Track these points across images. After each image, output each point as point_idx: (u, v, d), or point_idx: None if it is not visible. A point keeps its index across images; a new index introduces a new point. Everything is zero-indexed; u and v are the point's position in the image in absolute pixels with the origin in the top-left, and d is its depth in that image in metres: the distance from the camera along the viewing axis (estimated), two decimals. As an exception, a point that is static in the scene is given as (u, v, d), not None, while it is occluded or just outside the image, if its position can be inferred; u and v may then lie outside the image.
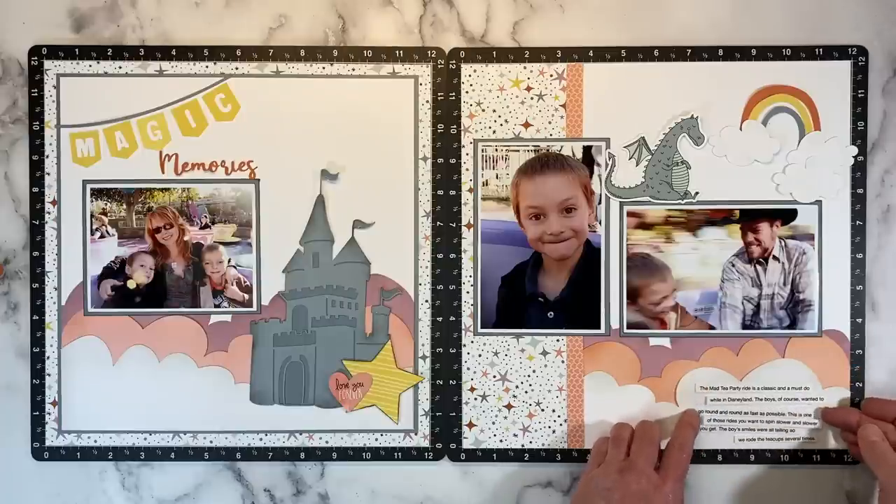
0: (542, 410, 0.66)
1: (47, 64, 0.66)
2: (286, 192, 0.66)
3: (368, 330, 0.66)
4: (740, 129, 0.65)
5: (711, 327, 0.66)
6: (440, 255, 0.66)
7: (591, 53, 0.65)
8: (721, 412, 0.66)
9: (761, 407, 0.66)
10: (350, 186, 0.66)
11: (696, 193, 0.65)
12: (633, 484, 0.59)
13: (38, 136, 0.66)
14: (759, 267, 0.65)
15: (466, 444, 0.66)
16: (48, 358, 0.66)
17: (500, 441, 0.66)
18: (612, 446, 0.62)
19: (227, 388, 0.66)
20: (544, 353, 0.66)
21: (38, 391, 0.66)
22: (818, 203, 0.65)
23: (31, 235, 0.66)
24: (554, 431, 0.66)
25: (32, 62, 0.66)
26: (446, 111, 0.66)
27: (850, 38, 0.65)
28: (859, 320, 0.65)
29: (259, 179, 0.66)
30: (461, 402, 0.66)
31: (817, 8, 0.66)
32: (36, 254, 0.66)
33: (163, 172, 0.66)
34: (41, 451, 0.66)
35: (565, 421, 0.66)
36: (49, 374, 0.66)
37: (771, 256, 0.65)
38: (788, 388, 0.65)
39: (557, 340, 0.66)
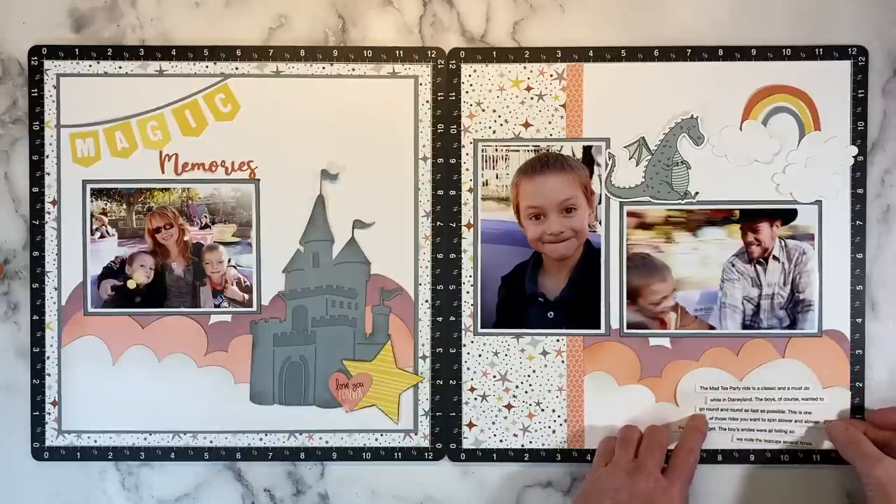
0: (542, 410, 0.66)
1: (47, 64, 0.66)
2: (286, 192, 0.66)
3: (368, 330, 0.66)
4: (740, 129, 0.65)
5: (711, 327, 0.66)
6: (440, 255, 0.66)
7: (591, 53, 0.65)
8: (721, 412, 0.66)
9: (761, 407, 0.66)
10: (350, 186, 0.66)
11: (696, 193, 0.65)
12: (640, 485, 0.59)
13: (38, 136, 0.66)
14: (759, 267, 0.65)
15: (466, 444, 0.66)
16: (48, 358, 0.66)
17: (500, 441, 0.66)
18: (621, 447, 0.62)
19: (227, 388, 0.66)
20: (544, 353, 0.66)
21: (38, 391, 0.66)
22: (818, 203, 0.65)
23: (31, 235, 0.66)
24: (554, 431, 0.66)
25: (32, 62, 0.66)
26: (446, 111, 0.66)
27: (850, 38, 0.65)
28: (859, 320, 0.65)
29: (259, 179, 0.66)
30: (461, 402, 0.66)
31: (817, 8, 0.66)
32: (36, 254, 0.66)
33: (163, 172, 0.66)
34: (41, 451, 0.66)
35: (565, 421, 0.66)
36: (49, 374, 0.66)
37: (771, 256, 0.65)
38: (788, 388, 0.65)
39: (557, 340, 0.66)
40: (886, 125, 0.66)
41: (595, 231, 0.66)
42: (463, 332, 0.66)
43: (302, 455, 0.66)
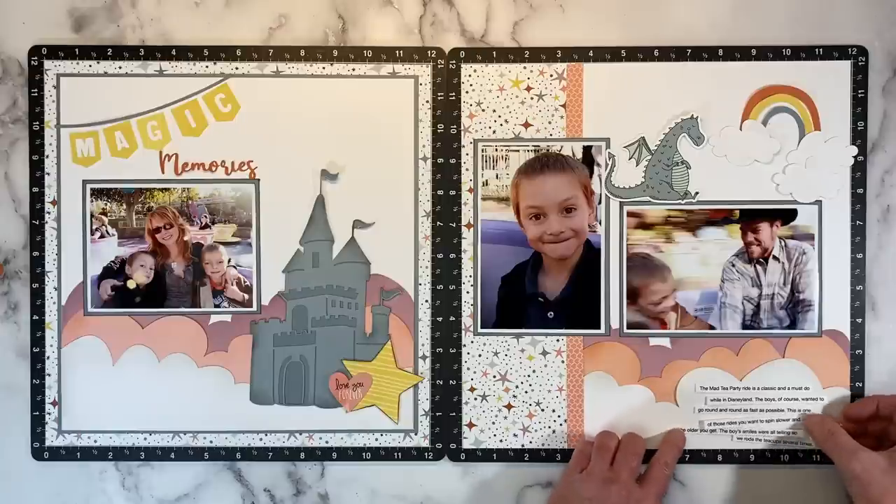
0: (542, 410, 0.66)
1: (47, 64, 0.66)
2: (286, 192, 0.66)
3: (368, 330, 0.66)
4: (740, 129, 0.65)
5: (711, 327, 0.66)
6: (440, 255, 0.66)
7: (591, 53, 0.65)
8: (721, 412, 0.66)
9: (761, 407, 0.66)
10: (350, 186, 0.66)
11: (696, 193, 0.65)
12: (614, 496, 0.59)
13: (38, 136, 0.66)
14: (759, 267, 0.65)
15: (466, 444, 0.66)
16: (48, 358, 0.66)
17: (500, 441, 0.66)
18: (597, 455, 0.62)
19: (227, 388, 0.66)
20: (544, 353, 0.66)
21: (38, 391, 0.66)
22: (818, 203, 0.65)
23: (31, 235, 0.66)
24: (554, 431, 0.66)
25: (32, 62, 0.66)
26: (446, 111, 0.66)
27: (850, 38, 0.65)
28: (859, 320, 0.65)
29: (259, 179, 0.66)
30: (461, 402, 0.66)
31: (817, 8, 0.66)
32: (36, 254, 0.66)
33: (163, 172, 0.66)
34: (41, 451, 0.66)
35: (565, 421, 0.66)
36: (49, 374, 0.66)
37: (771, 256, 0.65)
38: (788, 388, 0.65)
39: (557, 340, 0.66)
40: (886, 125, 0.66)
41: (595, 231, 0.66)
42: (463, 332, 0.66)
43: (302, 455, 0.66)
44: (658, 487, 0.61)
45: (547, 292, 0.66)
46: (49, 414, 0.66)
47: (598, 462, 0.62)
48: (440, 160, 0.66)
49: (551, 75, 0.66)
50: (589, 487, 0.60)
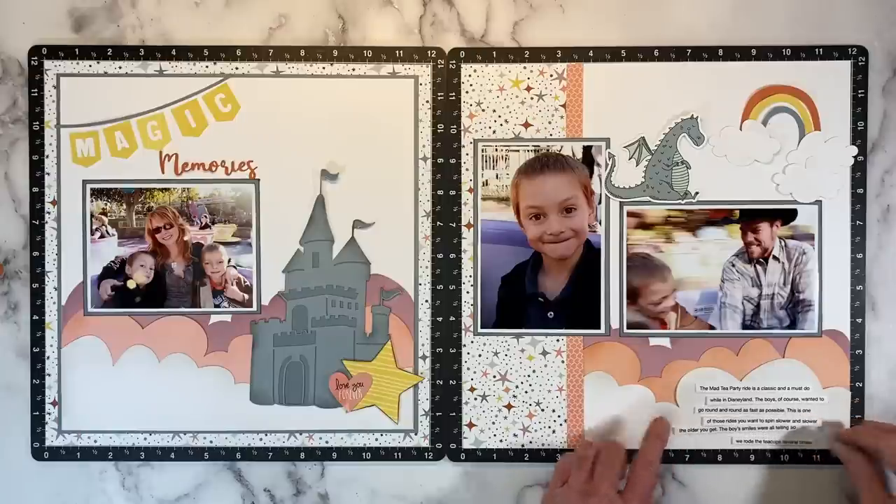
0: (542, 410, 0.66)
1: (47, 64, 0.66)
2: (286, 192, 0.66)
3: (368, 330, 0.66)
4: (740, 129, 0.65)
5: (711, 327, 0.66)
6: (440, 255, 0.66)
7: (591, 53, 0.65)
8: (721, 412, 0.66)
9: (761, 407, 0.66)
10: (350, 186, 0.66)
11: (696, 193, 0.65)
12: None
13: (38, 136, 0.66)
14: (759, 267, 0.65)
15: (466, 444, 0.66)
16: (48, 358, 0.66)
17: (500, 441, 0.66)
18: (576, 467, 0.61)
19: (227, 388, 0.66)
20: (544, 353, 0.66)
21: (38, 391, 0.66)
22: (818, 203, 0.65)
23: (31, 235, 0.66)
24: (554, 431, 0.66)
25: (32, 62, 0.66)
26: (446, 111, 0.66)
27: (850, 38, 0.65)
28: (859, 320, 0.65)
29: (259, 179, 0.66)
30: (461, 402, 0.66)
31: (817, 8, 0.66)
32: (36, 254, 0.66)
33: (163, 172, 0.66)
34: (41, 451, 0.66)
35: (565, 421, 0.66)
36: (49, 374, 0.66)
37: (771, 256, 0.65)
38: (788, 388, 0.65)
39: (557, 340, 0.66)
40: (886, 125, 0.66)
41: (595, 231, 0.66)
42: (463, 332, 0.66)
43: (302, 455, 0.66)
44: (642, 492, 0.59)
45: (547, 292, 0.66)
46: (49, 414, 0.66)
47: (577, 475, 0.60)
48: (440, 160, 0.66)
49: (551, 75, 0.66)
50: (567, 501, 0.59)
